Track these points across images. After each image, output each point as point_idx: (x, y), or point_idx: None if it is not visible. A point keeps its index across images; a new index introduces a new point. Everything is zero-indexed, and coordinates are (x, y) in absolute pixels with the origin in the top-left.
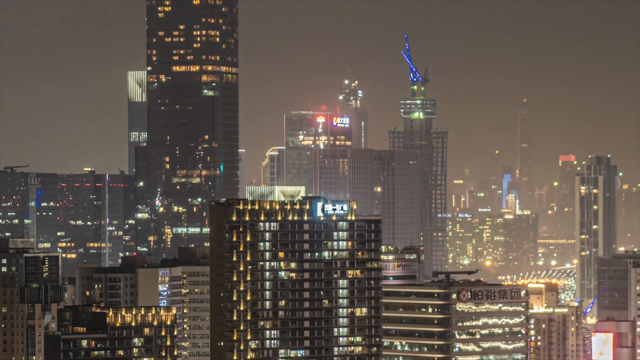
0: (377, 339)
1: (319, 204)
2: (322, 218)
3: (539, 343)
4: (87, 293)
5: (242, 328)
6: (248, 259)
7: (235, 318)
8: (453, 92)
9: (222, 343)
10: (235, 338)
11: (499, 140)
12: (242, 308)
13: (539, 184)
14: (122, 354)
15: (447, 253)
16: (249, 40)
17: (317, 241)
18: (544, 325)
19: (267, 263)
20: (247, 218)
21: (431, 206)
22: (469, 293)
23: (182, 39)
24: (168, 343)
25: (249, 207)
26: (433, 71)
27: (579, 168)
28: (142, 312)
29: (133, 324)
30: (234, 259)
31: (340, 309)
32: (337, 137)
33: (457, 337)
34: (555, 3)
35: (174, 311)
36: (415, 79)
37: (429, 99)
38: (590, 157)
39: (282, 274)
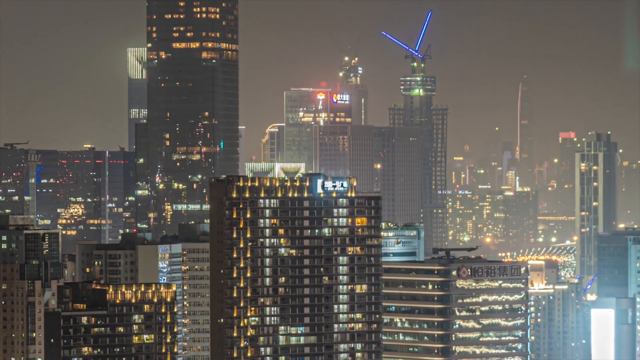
0: (377, 315)
1: (319, 181)
2: (322, 195)
3: (539, 320)
4: (87, 270)
5: (242, 305)
6: (248, 235)
7: (235, 295)
8: (453, 69)
9: (222, 320)
10: (235, 315)
11: (498, 117)
12: (242, 285)
13: (539, 160)
14: (122, 330)
15: (447, 230)
16: (249, 16)
17: (317, 218)
18: (544, 302)
19: (267, 240)
20: (247, 195)
21: (431, 183)
22: (468, 270)
23: (182, 16)
24: (168, 320)
25: (249, 184)
26: (432, 48)
27: (579, 145)
28: (142, 289)
29: (133, 300)
30: (234, 235)
31: (340, 286)
32: (337, 113)
33: (457, 313)
34: None
35: (174, 288)
36: (412, 56)
37: (429, 76)
38: (590, 133)
39: (282, 250)
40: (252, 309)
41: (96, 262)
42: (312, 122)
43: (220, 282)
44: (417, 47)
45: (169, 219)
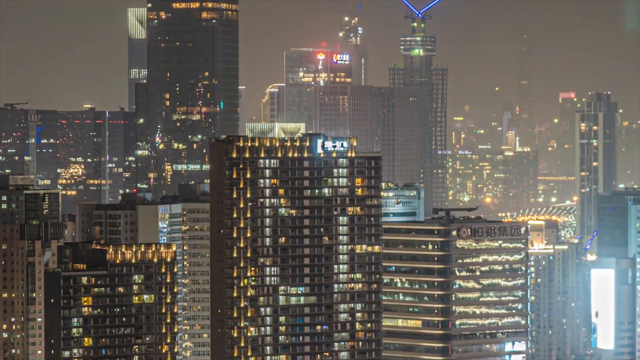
0: (377, 275)
1: (319, 141)
2: (322, 155)
3: (539, 280)
4: (88, 230)
5: (242, 265)
6: (248, 195)
7: (235, 255)
8: (453, 29)
9: (222, 280)
10: (235, 275)
11: (499, 77)
12: (242, 245)
13: (539, 120)
14: (122, 290)
15: (447, 190)
16: None
17: (317, 178)
18: (544, 262)
19: (267, 200)
20: (247, 155)
21: (431, 143)
22: (469, 230)
23: None
24: (168, 280)
25: (249, 144)
26: (432, 7)
27: (579, 105)
28: (142, 249)
29: (133, 260)
30: (234, 195)
31: (340, 246)
32: (337, 74)
33: (457, 274)
34: None
35: (174, 248)
36: (412, 16)
37: (429, 36)
38: (590, 93)
39: (282, 210)
40: (252, 269)
41: (95, 226)
42: (312, 83)
43: (220, 242)
44: (421, 11)
45: (169, 179)
